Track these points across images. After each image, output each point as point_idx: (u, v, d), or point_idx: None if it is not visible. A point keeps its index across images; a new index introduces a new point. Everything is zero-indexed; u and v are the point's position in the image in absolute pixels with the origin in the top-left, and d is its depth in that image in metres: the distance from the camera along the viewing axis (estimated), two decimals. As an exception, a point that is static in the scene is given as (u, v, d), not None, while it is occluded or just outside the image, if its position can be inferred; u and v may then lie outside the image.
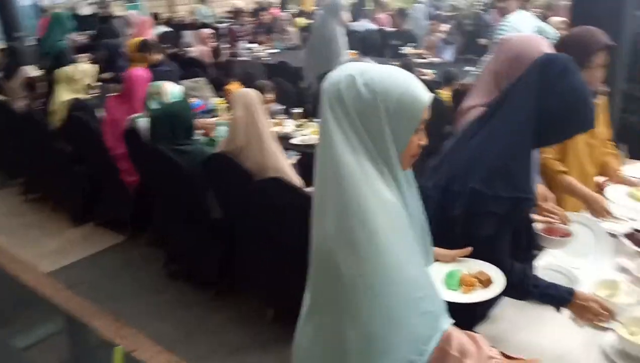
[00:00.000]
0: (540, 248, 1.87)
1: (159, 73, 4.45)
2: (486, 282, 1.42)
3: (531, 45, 1.87)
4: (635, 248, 1.93)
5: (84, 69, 4.80)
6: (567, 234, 2.00)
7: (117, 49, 6.38)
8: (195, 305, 3.41)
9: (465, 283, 1.42)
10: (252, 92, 3.06)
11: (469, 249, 1.48)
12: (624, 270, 1.89)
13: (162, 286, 3.65)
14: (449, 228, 1.44)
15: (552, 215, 1.92)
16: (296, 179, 2.94)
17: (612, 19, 3.03)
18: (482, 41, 6.71)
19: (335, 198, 1.17)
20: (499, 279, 1.42)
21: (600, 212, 2.11)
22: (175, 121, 3.33)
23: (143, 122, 3.58)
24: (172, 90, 3.62)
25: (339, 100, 1.19)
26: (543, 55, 1.61)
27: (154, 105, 3.56)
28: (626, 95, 3.79)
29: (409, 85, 1.21)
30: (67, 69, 4.66)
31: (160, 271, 3.77)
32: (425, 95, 1.21)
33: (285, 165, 2.99)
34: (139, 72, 4.24)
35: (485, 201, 1.47)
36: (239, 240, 3.19)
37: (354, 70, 1.21)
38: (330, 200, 1.18)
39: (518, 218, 1.57)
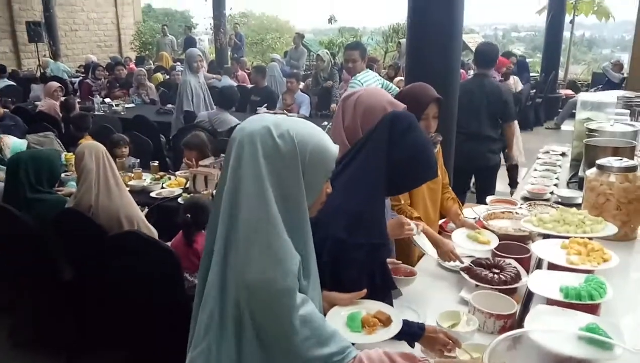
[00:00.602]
0: (395, 287, 1.98)
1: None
2: (387, 321, 1.47)
3: (378, 96, 2.00)
4: (472, 281, 2.12)
5: None
6: (411, 273, 2.16)
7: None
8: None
9: (367, 324, 1.46)
10: (97, 144, 2.99)
11: (364, 291, 1.53)
12: (464, 302, 2.06)
13: (9, 358, 3.28)
14: (320, 273, 1.49)
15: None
16: (152, 229, 2.88)
17: (441, 76, 3.40)
18: (334, 100, 7.12)
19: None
20: (396, 316, 1.48)
21: (447, 255, 2.26)
22: (41, 167, 3.15)
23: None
24: (13, 143, 3.38)
25: (252, 153, 1.18)
26: (389, 113, 1.77)
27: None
28: (490, 139, 4.27)
29: (320, 135, 1.26)
30: None
31: (6, 341, 3.39)
32: (333, 144, 1.28)
33: (139, 214, 2.93)
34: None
35: (348, 248, 1.57)
36: (94, 299, 2.97)
37: (268, 121, 1.22)
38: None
39: (375, 261, 1.68)
